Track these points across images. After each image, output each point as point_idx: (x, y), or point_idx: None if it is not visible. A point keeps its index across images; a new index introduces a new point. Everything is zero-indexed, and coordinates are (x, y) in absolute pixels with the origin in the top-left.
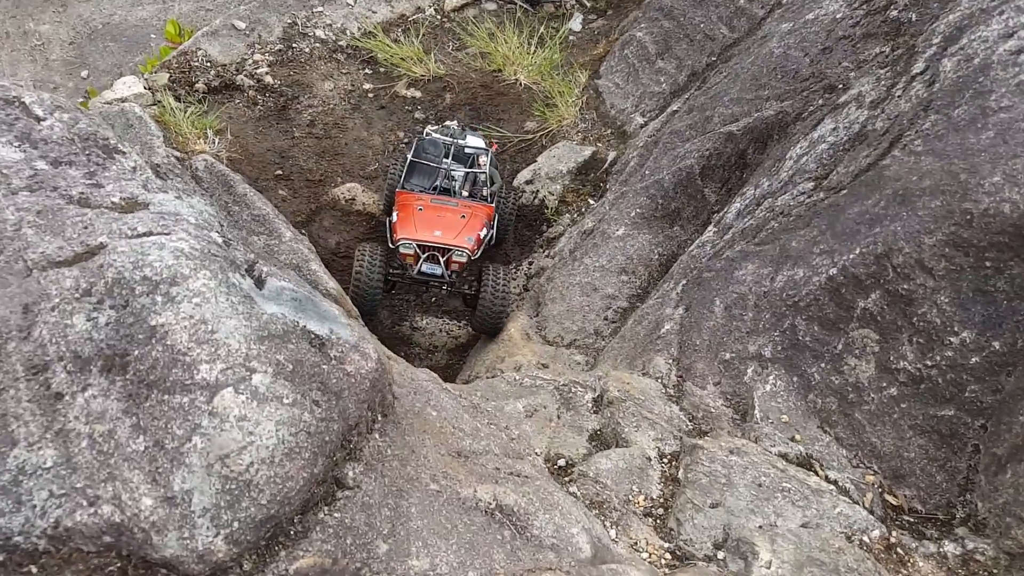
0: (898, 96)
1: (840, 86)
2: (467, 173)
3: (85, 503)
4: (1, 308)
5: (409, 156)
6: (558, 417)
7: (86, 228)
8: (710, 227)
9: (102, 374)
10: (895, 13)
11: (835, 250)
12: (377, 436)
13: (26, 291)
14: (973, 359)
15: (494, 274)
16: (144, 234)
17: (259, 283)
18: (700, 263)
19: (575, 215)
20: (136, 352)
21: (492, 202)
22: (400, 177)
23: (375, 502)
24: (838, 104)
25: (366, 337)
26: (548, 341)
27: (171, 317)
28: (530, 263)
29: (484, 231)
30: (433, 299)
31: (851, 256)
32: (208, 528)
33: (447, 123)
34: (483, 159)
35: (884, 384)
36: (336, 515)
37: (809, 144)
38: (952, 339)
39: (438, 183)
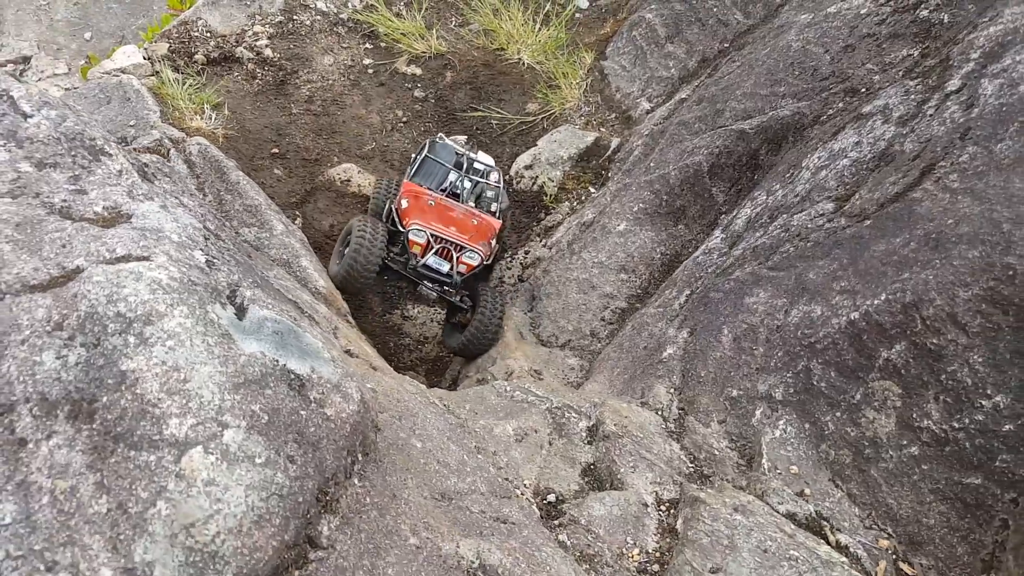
0: (930, 115)
1: (863, 89)
2: (476, 183)
3: (42, 568)
4: None
5: (425, 153)
6: (550, 444)
7: (64, 247)
8: (717, 230)
9: (68, 421)
10: (925, 13)
11: (858, 291)
12: (356, 481)
13: None
14: (1007, 426)
15: (493, 298)
16: (122, 258)
17: (240, 312)
18: (705, 272)
19: (575, 203)
20: (105, 399)
21: (499, 219)
22: (410, 172)
23: (349, 564)
24: (862, 114)
25: (350, 374)
26: (542, 340)
27: (143, 362)
28: (526, 252)
29: (493, 243)
30: (422, 300)
31: (876, 302)
32: None
33: (456, 137)
34: (494, 176)
35: (905, 442)
36: None
37: (829, 156)
38: (984, 402)
39: (446, 186)
